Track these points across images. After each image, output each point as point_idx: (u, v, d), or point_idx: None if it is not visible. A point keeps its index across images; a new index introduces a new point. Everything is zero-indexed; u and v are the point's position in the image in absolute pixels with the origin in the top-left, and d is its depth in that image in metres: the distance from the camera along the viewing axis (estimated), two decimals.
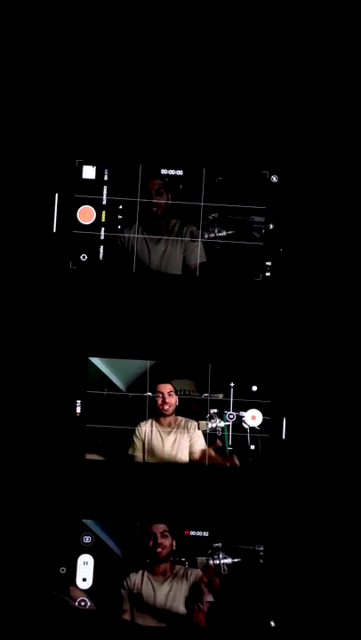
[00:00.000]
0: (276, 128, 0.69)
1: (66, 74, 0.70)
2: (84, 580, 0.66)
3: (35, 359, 0.68)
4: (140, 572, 0.65)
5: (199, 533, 0.66)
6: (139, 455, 0.68)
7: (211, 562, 0.66)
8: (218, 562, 0.66)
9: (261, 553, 0.65)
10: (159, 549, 0.66)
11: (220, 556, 0.66)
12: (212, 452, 0.68)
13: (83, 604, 0.65)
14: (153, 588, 0.65)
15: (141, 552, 0.66)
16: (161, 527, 0.66)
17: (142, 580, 0.65)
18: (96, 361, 0.69)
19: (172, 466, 0.68)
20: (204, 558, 0.66)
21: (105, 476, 0.68)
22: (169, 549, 0.66)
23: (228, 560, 0.66)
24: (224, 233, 0.69)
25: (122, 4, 0.70)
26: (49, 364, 0.68)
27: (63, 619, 0.63)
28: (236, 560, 0.66)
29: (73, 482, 0.67)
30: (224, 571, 0.65)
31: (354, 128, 0.68)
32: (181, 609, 0.65)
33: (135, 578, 0.65)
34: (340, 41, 0.68)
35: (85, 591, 0.66)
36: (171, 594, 0.65)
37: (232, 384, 0.68)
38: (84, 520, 0.67)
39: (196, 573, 0.65)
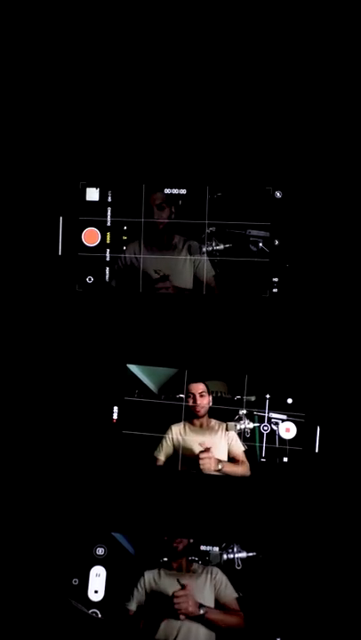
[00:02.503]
0: (280, 144, 0.68)
1: (68, 98, 0.69)
2: (96, 592, 0.68)
3: (61, 370, 0.70)
4: (156, 570, 0.67)
5: (209, 548, 0.67)
6: (161, 458, 0.69)
7: (225, 556, 0.66)
8: (232, 556, 0.66)
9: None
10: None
11: (235, 549, 0.67)
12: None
13: (95, 614, 0.67)
14: (171, 584, 0.66)
15: (156, 549, 0.67)
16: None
17: (160, 577, 0.66)
18: (133, 367, 0.69)
19: (201, 475, 0.69)
20: (217, 552, 0.66)
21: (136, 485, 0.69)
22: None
23: (243, 554, 0.66)
24: (221, 246, 0.69)
25: (122, 27, 0.68)
26: (86, 372, 0.70)
27: (75, 628, 0.65)
28: (250, 554, 0.66)
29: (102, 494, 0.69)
30: (238, 565, 0.66)
31: (357, 143, 0.67)
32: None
33: (152, 575, 0.66)
34: (344, 58, 0.66)
35: (96, 603, 0.67)
36: (194, 592, 0.66)
37: (268, 396, 0.68)
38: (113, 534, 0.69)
39: (213, 570, 0.66)
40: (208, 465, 0.68)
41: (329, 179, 0.67)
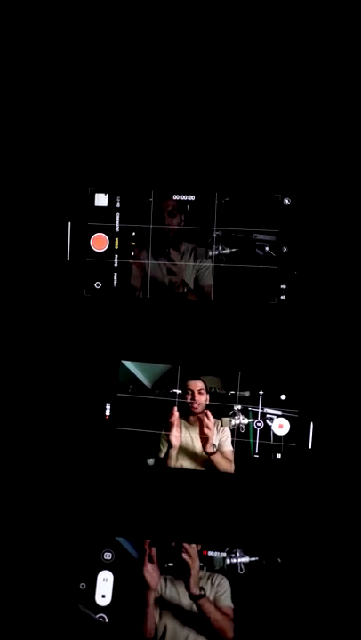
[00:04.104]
0: (288, 151, 0.68)
1: (77, 104, 0.69)
2: (104, 596, 0.68)
3: (59, 368, 0.70)
4: (162, 577, 0.67)
5: (216, 554, 0.67)
6: (169, 457, 0.69)
7: (228, 560, 0.67)
8: (235, 560, 0.66)
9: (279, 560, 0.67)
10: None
11: (238, 554, 0.67)
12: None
13: (102, 619, 0.67)
14: (177, 592, 0.66)
15: (161, 554, 0.67)
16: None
17: (166, 585, 0.67)
18: (128, 364, 0.70)
19: (195, 473, 0.69)
20: (220, 557, 0.67)
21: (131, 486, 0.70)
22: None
23: (246, 559, 0.67)
24: (228, 250, 0.69)
25: (129, 32, 0.67)
26: (79, 367, 0.70)
27: (83, 633, 0.65)
28: (253, 559, 0.67)
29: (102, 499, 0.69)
30: (241, 570, 0.66)
31: None
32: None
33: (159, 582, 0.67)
34: (352, 65, 0.66)
35: (104, 608, 0.68)
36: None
37: (261, 392, 0.68)
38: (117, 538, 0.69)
39: (219, 577, 0.66)
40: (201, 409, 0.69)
41: (338, 186, 0.67)
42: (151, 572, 0.67)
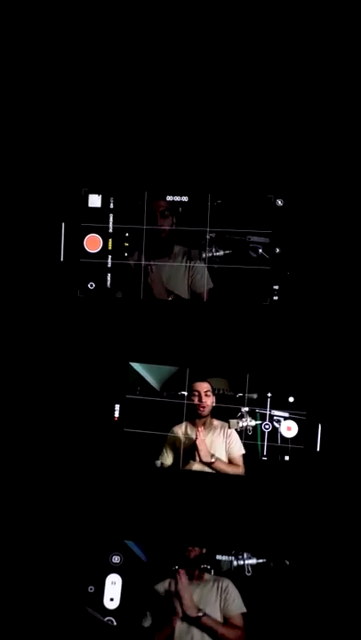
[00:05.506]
0: (281, 152, 0.68)
1: (70, 105, 0.69)
2: (112, 599, 0.67)
3: (62, 371, 0.70)
4: (167, 581, 0.66)
5: (225, 557, 0.67)
6: (167, 462, 0.69)
7: (235, 562, 0.66)
8: (242, 562, 0.66)
9: (288, 562, 0.66)
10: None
11: (245, 556, 0.66)
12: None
13: (110, 622, 0.67)
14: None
15: (168, 557, 0.67)
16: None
17: (170, 586, 0.66)
18: (135, 365, 0.70)
19: (203, 475, 0.69)
20: (228, 560, 0.66)
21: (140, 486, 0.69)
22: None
23: (253, 561, 0.66)
24: (221, 252, 0.69)
25: (124, 34, 0.68)
26: (88, 371, 0.70)
27: (91, 636, 0.65)
28: (260, 561, 0.66)
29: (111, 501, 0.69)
30: (248, 572, 0.66)
31: (359, 152, 0.67)
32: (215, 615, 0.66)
33: (162, 587, 0.66)
34: (344, 66, 0.67)
35: (112, 611, 0.67)
36: (201, 601, 0.66)
37: (269, 394, 0.68)
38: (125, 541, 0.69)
39: (223, 582, 0.66)
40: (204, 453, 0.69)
41: (330, 186, 0.67)
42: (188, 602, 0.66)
